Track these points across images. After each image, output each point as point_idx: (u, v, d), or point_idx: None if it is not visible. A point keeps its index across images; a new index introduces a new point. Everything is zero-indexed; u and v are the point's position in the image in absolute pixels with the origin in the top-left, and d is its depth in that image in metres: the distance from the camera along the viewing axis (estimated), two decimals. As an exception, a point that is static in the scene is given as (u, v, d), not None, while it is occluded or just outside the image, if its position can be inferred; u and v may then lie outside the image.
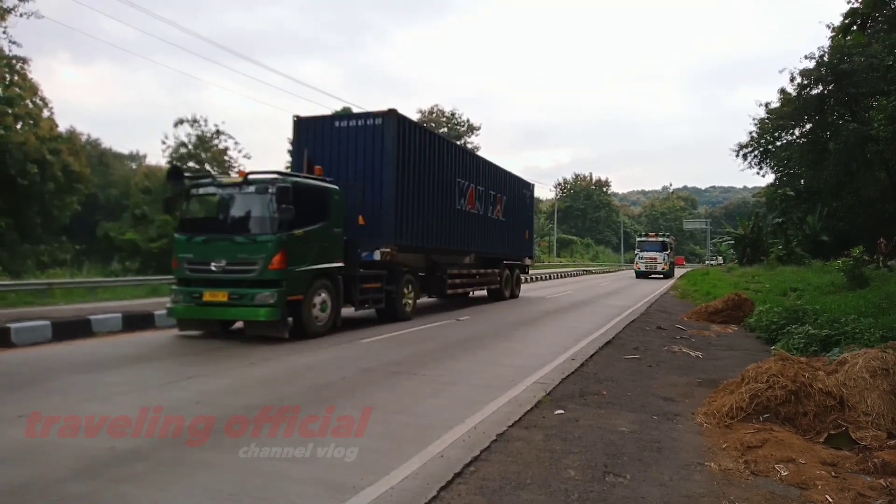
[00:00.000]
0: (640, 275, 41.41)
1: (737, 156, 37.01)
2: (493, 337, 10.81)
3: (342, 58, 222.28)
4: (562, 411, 5.60)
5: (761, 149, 36.22)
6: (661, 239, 43.54)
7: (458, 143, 68.29)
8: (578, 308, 17.33)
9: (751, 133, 36.43)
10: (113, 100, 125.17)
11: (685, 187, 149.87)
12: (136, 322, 10.81)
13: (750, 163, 36.98)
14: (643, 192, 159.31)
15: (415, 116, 69.51)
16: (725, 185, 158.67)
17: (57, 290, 18.09)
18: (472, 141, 70.20)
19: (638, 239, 45.35)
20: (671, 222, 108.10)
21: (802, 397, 5.30)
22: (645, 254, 42.04)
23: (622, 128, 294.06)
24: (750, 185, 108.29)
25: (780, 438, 4.70)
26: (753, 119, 36.43)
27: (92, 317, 10.21)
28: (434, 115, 68.86)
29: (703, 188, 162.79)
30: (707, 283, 25.96)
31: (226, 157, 47.13)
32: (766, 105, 34.77)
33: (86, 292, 18.60)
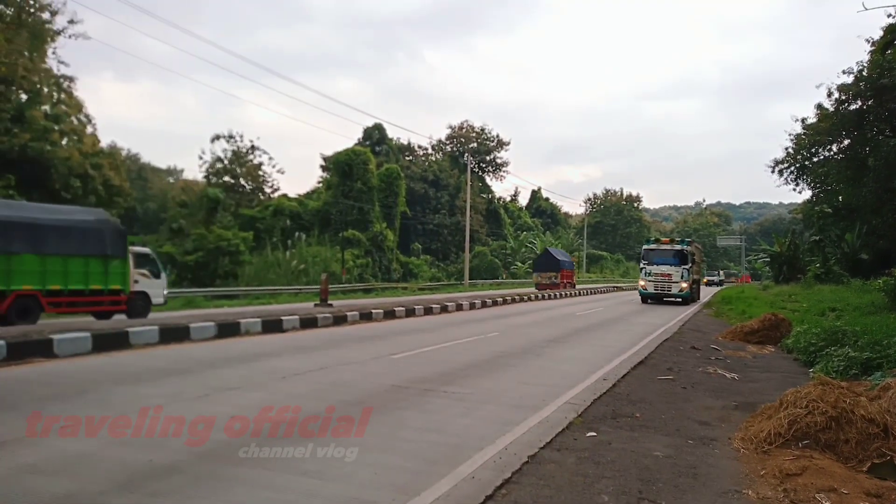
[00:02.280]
0: (648, 297, 28.82)
1: (772, 171, 36.33)
2: (522, 354, 10.75)
3: (375, 75, 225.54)
4: (594, 433, 5.54)
5: (798, 165, 35.50)
6: (677, 247, 28.98)
7: (488, 157, 68.77)
8: (609, 325, 17.14)
9: (787, 149, 35.76)
10: (153, 116, 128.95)
11: (719, 203, 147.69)
12: (173, 334, 11.03)
13: (786, 179, 36.26)
14: (675, 208, 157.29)
15: (445, 132, 70.07)
16: (760, 200, 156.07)
17: (96, 302, 18.52)
18: (502, 156, 70.37)
19: (644, 247, 30.07)
20: (704, 238, 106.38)
21: (844, 424, 5.15)
22: (654, 268, 28.58)
23: (654, 143, 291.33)
24: (786, 202, 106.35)
25: (820, 466, 4.57)
26: (789, 134, 35.78)
27: (129, 329, 10.46)
28: (464, 130, 69.17)
29: (737, 204, 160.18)
30: (742, 302, 25.43)
31: (260, 172, 48.16)
32: (803, 120, 34.14)
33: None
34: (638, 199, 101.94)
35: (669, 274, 28.05)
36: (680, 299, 28.19)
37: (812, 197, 39.41)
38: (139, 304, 15.35)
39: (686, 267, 28.10)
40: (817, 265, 34.39)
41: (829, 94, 30.27)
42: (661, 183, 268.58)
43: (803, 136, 34.37)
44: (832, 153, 33.96)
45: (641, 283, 29.00)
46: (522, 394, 7.33)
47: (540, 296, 31.56)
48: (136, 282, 15.47)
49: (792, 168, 35.72)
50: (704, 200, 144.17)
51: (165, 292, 17.04)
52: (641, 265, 29.30)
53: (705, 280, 62.72)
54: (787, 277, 39.56)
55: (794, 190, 38.68)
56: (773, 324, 14.07)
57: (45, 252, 13.12)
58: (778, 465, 4.65)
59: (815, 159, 34.86)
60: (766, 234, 77.65)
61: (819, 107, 32.47)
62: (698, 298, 32.69)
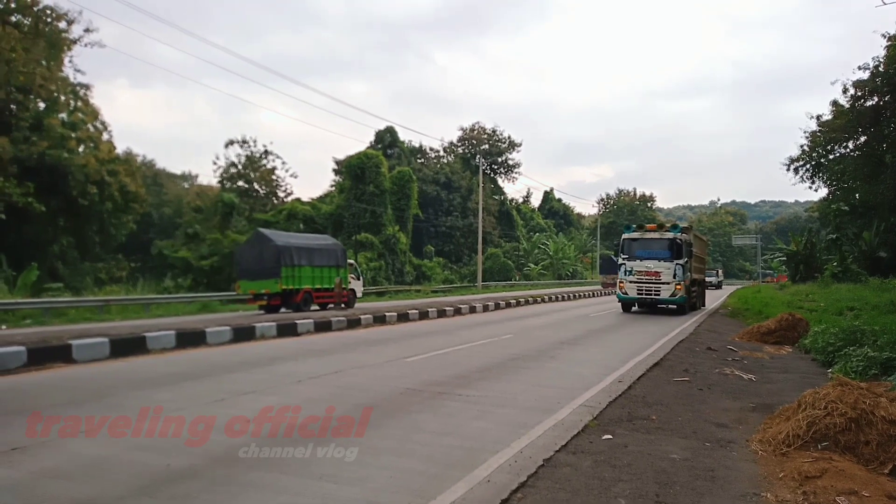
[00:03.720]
0: (630, 304, 22.19)
1: (787, 169, 36.01)
2: (536, 357, 10.72)
3: (386, 78, 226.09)
4: (610, 436, 5.51)
5: (813, 162, 35.15)
6: (668, 235, 21.21)
7: (500, 159, 68.66)
8: (624, 326, 17.04)
9: (802, 146, 35.43)
10: (167, 122, 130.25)
11: (733, 202, 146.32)
12: (189, 339, 11.13)
13: (802, 177, 35.92)
14: (689, 207, 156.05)
15: (456, 134, 70.10)
16: (776, 199, 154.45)
17: (113, 307, 18.80)
18: (513, 157, 70.25)
19: (623, 235, 22.15)
20: (720, 238, 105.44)
21: (864, 425, 5.08)
22: (638, 264, 21.15)
23: (668, 141, 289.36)
24: (802, 200, 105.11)
25: (840, 468, 4.51)
26: (805, 132, 35.41)
27: (147, 334, 10.57)
28: (476, 132, 69.16)
29: (752, 203, 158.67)
30: (759, 302, 25.17)
31: (273, 177, 48.47)
32: (818, 117, 33.78)
33: (140, 308, 19.27)
34: (651, 198, 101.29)
35: (657, 272, 20.45)
36: (674, 306, 20.98)
37: (828, 195, 38.98)
38: (352, 297, 22.32)
39: (680, 262, 20.38)
40: (834, 264, 33.95)
41: (845, 91, 29.93)
42: (675, 182, 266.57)
43: (819, 134, 34.02)
44: (848, 150, 33.58)
45: (620, 284, 21.27)
46: (537, 396, 7.30)
47: (551, 297, 31.46)
48: (350, 282, 22.23)
49: (807, 166, 35.37)
50: (719, 199, 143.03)
51: (362, 288, 25.23)
52: (620, 260, 21.46)
53: None
54: (804, 276, 39.08)
55: (810, 188, 38.15)
56: (790, 324, 13.92)
57: (313, 265, 20.02)
58: (797, 467, 4.59)
59: (831, 156, 34.50)
60: (782, 233, 76.79)
61: (834, 103, 32.14)
62: (702, 305, 25.86)
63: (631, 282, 21.20)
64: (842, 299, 20.12)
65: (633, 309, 22.42)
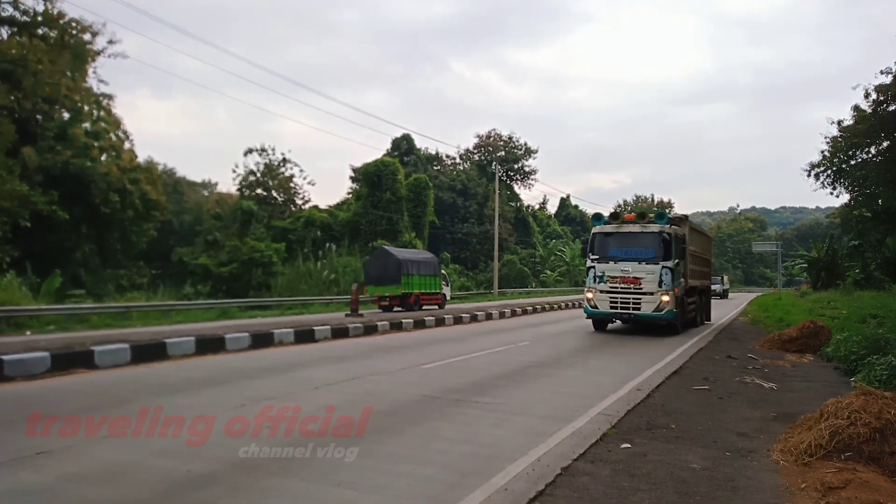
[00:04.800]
0: (601, 320, 16.96)
1: (808, 175, 35.49)
2: (553, 364, 10.68)
3: (402, 87, 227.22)
4: (629, 445, 5.48)
5: (834, 168, 34.62)
6: (653, 228, 15.98)
7: (516, 166, 68.62)
8: (642, 334, 16.89)
9: (823, 152, 34.91)
10: (188, 131, 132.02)
11: (753, 208, 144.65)
12: (208, 345, 11.25)
13: (823, 182, 35.37)
14: (708, 214, 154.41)
15: (472, 141, 70.17)
16: (797, 205, 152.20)
17: (134, 313, 19.07)
18: (530, 164, 70.17)
19: (594, 229, 17.04)
20: (739, 244, 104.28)
21: (889, 435, 5.00)
22: (612, 267, 16.12)
23: (686, 148, 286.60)
24: (823, 206, 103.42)
25: (864, 479, 4.44)
26: (825, 137, 34.89)
27: (167, 340, 10.69)
28: (492, 139, 69.21)
29: (772, 209, 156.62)
30: (779, 309, 24.85)
31: (291, 185, 48.91)
32: (839, 123, 33.28)
33: (160, 315, 19.53)
34: (670, 205, 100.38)
35: (637, 278, 15.45)
36: (663, 322, 15.63)
37: (850, 201, 38.37)
38: (444, 300, 27.02)
39: (669, 265, 15.23)
40: (857, 271, 33.45)
41: (867, 96, 29.48)
42: (694, 188, 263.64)
43: (840, 139, 33.54)
44: (870, 155, 33.05)
45: (588, 294, 16.26)
46: (555, 404, 7.28)
47: (568, 304, 31.30)
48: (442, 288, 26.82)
49: (829, 171, 34.86)
50: (738, 206, 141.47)
51: (450, 294, 30.21)
52: (589, 262, 16.44)
53: None
54: (826, 284, 38.54)
55: (832, 194, 37.35)
56: (811, 331, 13.72)
57: (421, 274, 24.61)
58: (819, 477, 4.53)
59: (853, 162, 33.96)
60: (803, 240, 75.66)
61: (856, 108, 31.65)
62: (706, 320, 20.48)
63: (602, 291, 15.81)
64: (865, 307, 19.79)
65: (614, 323, 17.02)
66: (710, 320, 21.21)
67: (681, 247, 16.12)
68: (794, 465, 4.92)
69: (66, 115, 34.50)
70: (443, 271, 28.33)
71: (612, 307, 15.95)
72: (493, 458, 5.05)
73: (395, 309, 23.32)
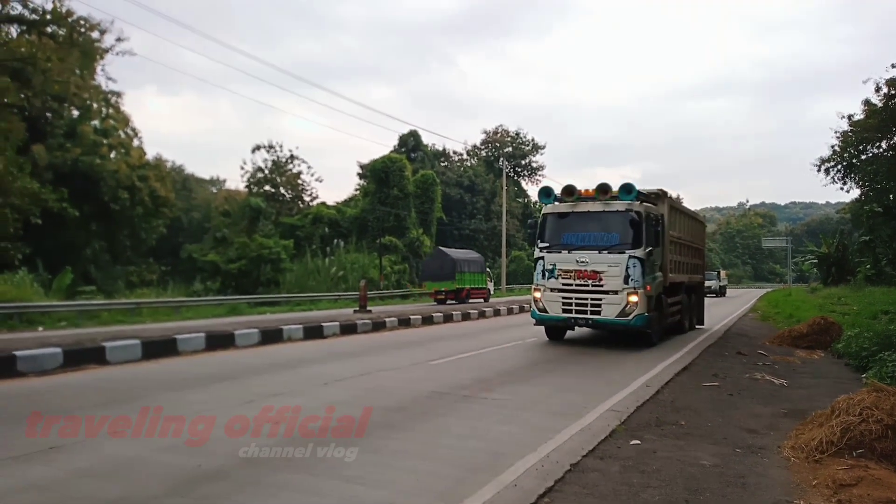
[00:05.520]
0: (552, 326, 13.05)
1: (818, 170, 35.11)
2: (562, 360, 10.66)
3: (408, 82, 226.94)
4: (638, 441, 5.46)
5: (845, 163, 34.23)
6: (617, 206, 12.00)
7: (523, 161, 68.51)
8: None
9: (833, 146, 34.51)
10: (195, 128, 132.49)
11: (763, 203, 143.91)
12: (218, 342, 11.30)
13: (833, 178, 34.96)
14: (717, 209, 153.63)
15: (479, 137, 70.09)
16: (806, 200, 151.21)
17: (144, 309, 19.19)
18: (537, 160, 70.00)
19: (544, 210, 12.94)
20: (749, 240, 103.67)
21: (901, 433, 4.96)
22: (564, 257, 12.25)
23: (693, 142, 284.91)
24: (833, 201, 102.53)
25: (876, 477, 4.41)
26: (835, 132, 34.47)
27: (177, 336, 10.76)
28: (499, 134, 69.07)
29: (782, 204, 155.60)
30: (789, 305, 24.71)
31: (299, 181, 49.02)
32: (850, 117, 32.90)
33: (170, 311, 19.64)
34: (678, 200, 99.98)
35: (597, 272, 11.94)
36: (631, 329, 11.95)
37: (861, 196, 37.93)
38: (489, 294, 30.90)
39: (638, 254, 11.71)
40: (868, 266, 33.19)
41: (878, 90, 29.07)
42: (702, 183, 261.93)
43: (850, 133, 33.18)
44: (882, 150, 32.66)
45: (536, 294, 12.72)
46: (563, 400, 7.26)
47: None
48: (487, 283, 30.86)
49: (839, 166, 34.47)
50: (748, 201, 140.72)
51: (493, 288, 34.03)
52: (538, 251, 12.80)
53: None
54: (836, 279, 38.29)
55: (842, 189, 36.77)
56: (822, 328, 13.62)
57: (471, 271, 28.66)
58: (831, 474, 4.50)
59: (864, 157, 33.60)
60: (813, 235, 75.09)
61: (867, 102, 31.25)
62: (697, 324, 17.09)
63: (553, 290, 12.23)
64: (875, 302, 19.67)
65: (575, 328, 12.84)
66: (702, 324, 17.51)
67: (655, 230, 12.18)
68: (804, 462, 4.89)
69: (76, 113, 34.69)
70: (487, 269, 32.12)
71: (564, 310, 12.11)
72: (501, 454, 5.04)
73: (449, 302, 27.70)
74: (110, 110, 36.79)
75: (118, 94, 37.35)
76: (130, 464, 4.72)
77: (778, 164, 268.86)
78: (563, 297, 12.17)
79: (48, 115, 32.76)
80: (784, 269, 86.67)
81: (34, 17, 25.13)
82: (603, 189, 12.10)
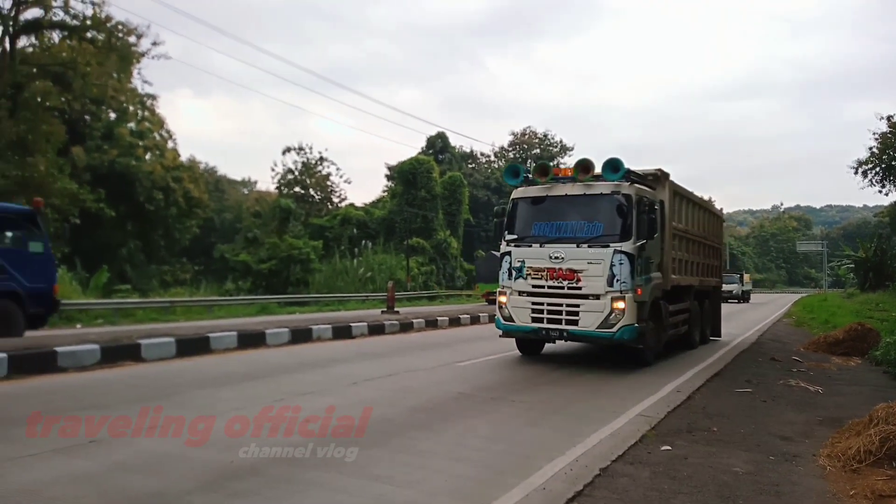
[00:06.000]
0: (530, 339, 10.69)
1: (856, 173, 34.28)
2: (591, 363, 10.58)
3: (437, 84, 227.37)
4: (669, 447, 5.39)
5: (883, 165, 33.37)
6: (601, 189, 9.74)
7: (551, 164, 68.18)
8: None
9: (871, 148, 33.68)
10: (228, 130, 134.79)
11: (797, 206, 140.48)
12: (250, 340, 11.49)
13: (871, 180, 34.11)
14: (750, 212, 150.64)
15: (507, 139, 69.92)
16: (843, 203, 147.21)
17: (178, 308, 19.60)
18: (565, 162, 69.57)
19: (514, 195, 10.59)
20: (783, 244, 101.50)
21: (943, 443, 4.81)
22: (536, 252, 9.91)
23: (725, 144, 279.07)
24: (871, 204, 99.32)
25: (917, 489, 4.29)
26: (874, 133, 33.65)
27: (210, 335, 10.96)
28: (527, 136, 68.84)
29: (817, 207, 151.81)
30: (825, 311, 24.13)
31: (328, 183, 49.57)
32: (889, 118, 32.07)
33: (203, 310, 20.02)
34: (710, 203, 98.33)
35: (574, 271, 9.59)
36: (616, 343, 9.68)
37: (900, 199, 36.98)
38: None
39: (627, 248, 9.35)
40: (908, 271, 32.18)
41: (919, 90, 28.40)
42: (735, 186, 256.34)
43: (889, 135, 32.32)
44: (923, 152, 31.80)
45: (501, 298, 10.40)
46: (593, 404, 7.21)
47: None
48: None
49: (877, 169, 33.60)
50: (782, 204, 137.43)
51: None
52: (504, 245, 10.45)
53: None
54: (874, 285, 37.19)
55: (880, 192, 35.81)
56: (859, 334, 13.27)
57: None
58: (869, 485, 4.39)
59: (904, 159, 32.71)
60: (849, 239, 73.06)
61: (908, 103, 30.53)
62: (712, 337, 14.67)
63: (522, 293, 10.04)
64: (917, 309, 19.08)
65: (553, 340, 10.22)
66: (718, 336, 15.03)
67: (649, 219, 9.59)
68: (841, 472, 4.78)
69: (113, 116, 35.65)
70: None
71: (534, 318, 9.80)
72: (529, 457, 5.03)
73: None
74: (146, 113, 37.76)
75: (153, 97, 38.35)
76: (165, 459, 4.82)
77: (813, 166, 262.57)
78: (533, 303, 9.85)
79: (87, 117, 33.72)
80: (819, 274, 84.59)
81: (75, 23, 25.94)
82: (583, 167, 9.76)
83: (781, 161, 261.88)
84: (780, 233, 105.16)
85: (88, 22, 25.82)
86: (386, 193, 52.16)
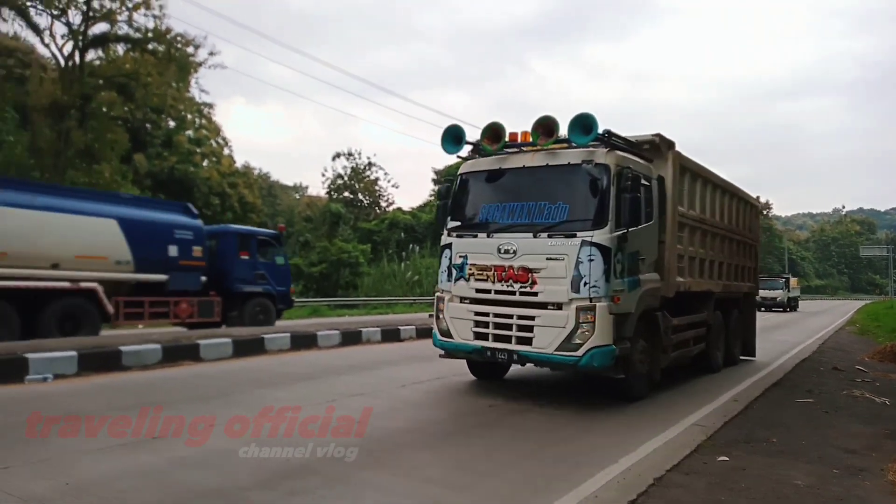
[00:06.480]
0: (476, 360, 8.24)
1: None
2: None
3: (484, 88, 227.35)
4: (726, 458, 5.25)
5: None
6: (570, 159, 7.16)
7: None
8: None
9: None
10: (279, 136, 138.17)
11: (860, 209, 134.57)
12: (302, 342, 11.74)
13: (944, 181, 32.38)
14: (810, 215, 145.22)
15: (557, 142, 69.31)
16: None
17: (233, 310, 20.11)
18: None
19: (462, 168, 8.14)
20: (845, 249, 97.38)
21: None
22: (482, 244, 7.44)
23: (784, 144, 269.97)
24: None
25: None
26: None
27: (265, 336, 11.25)
28: (577, 139, 68.07)
29: (881, 210, 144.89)
30: (891, 319, 23.00)
31: (376, 187, 50.22)
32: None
33: (256, 312, 20.48)
34: (767, 205, 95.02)
35: (528, 269, 7.01)
36: (588, 372, 7.11)
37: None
38: None
39: (601, 238, 6.76)
40: None
41: None
42: (794, 188, 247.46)
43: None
44: None
45: (439, 303, 7.92)
46: (644, 413, 7.08)
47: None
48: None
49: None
50: (844, 207, 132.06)
51: None
52: (446, 236, 7.95)
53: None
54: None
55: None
56: (931, 344, 12.61)
57: None
58: (943, 503, 4.18)
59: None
60: (919, 243, 69.47)
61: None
62: (740, 355, 11.78)
63: (463, 299, 7.71)
64: None
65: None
66: (752, 355, 12.21)
67: (632, 198, 6.92)
68: (912, 488, 4.56)
69: (172, 124, 37.00)
70: None
71: (477, 334, 7.45)
72: (581, 464, 4.99)
73: None
74: (203, 121, 39.11)
75: (210, 106, 39.69)
76: (224, 456, 4.98)
77: (877, 166, 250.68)
78: (477, 313, 7.45)
79: (148, 126, 35.11)
80: (885, 280, 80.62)
81: (138, 35, 27.05)
82: (545, 127, 7.32)
83: (843, 161, 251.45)
84: (841, 237, 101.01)
85: (150, 34, 26.93)
86: (433, 197, 52.49)
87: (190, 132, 38.14)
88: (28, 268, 11.07)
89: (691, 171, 9.17)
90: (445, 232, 8.00)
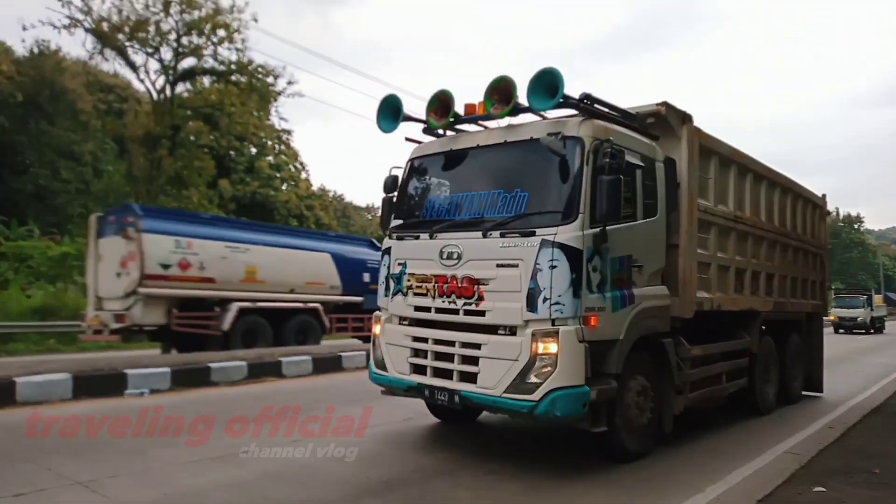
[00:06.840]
0: (421, 397, 5.77)
1: None
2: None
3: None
4: (822, 489, 4.94)
5: None
6: (529, 132, 5.42)
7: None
8: (831, 366, 15.12)
9: None
10: (351, 159, 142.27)
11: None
12: (376, 361, 11.97)
13: None
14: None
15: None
16: None
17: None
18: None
19: (412, 153, 6.43)
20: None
21: None
22: (423, 247, 5.71)
23: (876, 154, 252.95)
24: None
25: None
26: None
27: (342, 354, 11.56)
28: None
29: None
30: None
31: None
32: None
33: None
34: (859, 219, 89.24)
35: (474, 281, 5.22)
36: (548, 422, 5.19)
37: None
38: None
39: (566, 237, 4.89)
40: None
41: None
42: (889, 200, 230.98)
43: None
44: None
45: (376, 328, 6.16)
46: (728, 439, 6.79)
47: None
48: None
49: None
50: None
51: None
52: (387, 239, 6.20)
53: (833, 317, 27.41)
54: None
55: None
56: None
57: None
58: None
59: None
60: None
61: None
62: (801, 391, 9.41)
63: (401, 320, 5.92)
64: None
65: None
66: (819, 390, 9.91)
67: (613, 181, 4.95)
68: None
69: (254, 150, 38.93)
70: None
71: (414, 365, 5.72)
72: (665, 492, 4.83)
73: None
74: (282, 147, 40.91)
75: (289, 132, 41.53)
76: (308, 470, 5.14)
77: None
78: (415, 338, 5.75)
79: (231, 153, 37.06)
80: None
81: (222, 68, 28.72)
82: (501, 92, 5.50)
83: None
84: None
85: (233, 66, 28.54)
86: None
87: (270, 158, 39.99)
88: (276, 292, 13.99)
89: (720, 156, 7.12)
90: (387, 234, 6.31)
